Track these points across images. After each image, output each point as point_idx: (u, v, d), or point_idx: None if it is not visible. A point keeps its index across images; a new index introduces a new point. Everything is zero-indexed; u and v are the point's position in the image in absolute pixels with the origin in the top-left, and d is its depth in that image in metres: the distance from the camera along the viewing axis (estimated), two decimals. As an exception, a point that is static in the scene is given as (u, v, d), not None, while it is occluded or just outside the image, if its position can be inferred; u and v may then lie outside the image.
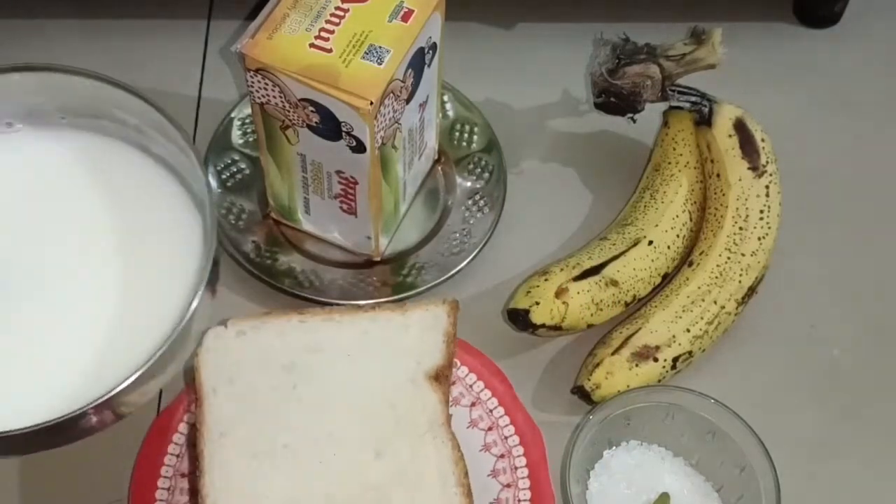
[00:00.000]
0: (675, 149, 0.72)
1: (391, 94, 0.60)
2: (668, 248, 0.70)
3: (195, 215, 0.58)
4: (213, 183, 0.71)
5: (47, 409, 0.52)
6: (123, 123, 0.59)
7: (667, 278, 0.70)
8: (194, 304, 0.53)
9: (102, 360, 0.55)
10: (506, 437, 0.64)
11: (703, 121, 0.70)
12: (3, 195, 0.59)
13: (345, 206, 0.67)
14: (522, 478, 0.62)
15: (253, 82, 0.61)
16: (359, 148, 0.61)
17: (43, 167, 0.59)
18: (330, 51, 0.59)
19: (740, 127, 0.70)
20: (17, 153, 0.60)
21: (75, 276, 0.58)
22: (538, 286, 0.67)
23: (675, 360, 0.66)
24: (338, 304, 0.67)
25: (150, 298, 0.57)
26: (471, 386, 0.65)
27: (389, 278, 0.70)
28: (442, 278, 0.70)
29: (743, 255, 0.68)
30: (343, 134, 0.61)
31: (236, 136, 0.75)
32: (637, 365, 0.65)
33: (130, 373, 0.51)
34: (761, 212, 0.69)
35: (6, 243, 0.58)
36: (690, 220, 0.71)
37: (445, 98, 0.76)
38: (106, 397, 0.51)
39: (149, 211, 0.59)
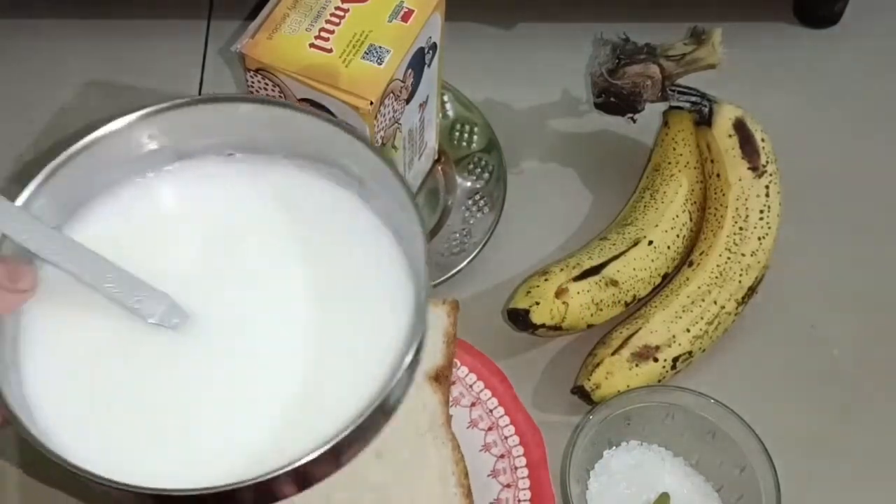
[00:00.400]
0: (675, 149, 0.72)
1: (391, 94, 0.60)
2: (668, 248, 0.70)
3: (407, 281, 0.51)
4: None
5: (225, 471, 0.45)
6: (346, 170, 0.53)
7: (667, 278, 0.70)
8: (393, 383, 0.46)
9: (289, 423, 0.49)
10: (506, 438, 0.64)
11: (703, 121, 0.70)
12: (211, 227, 0.54)
13: (345, 207, 0.67)
14: (522, 478, 0.62)
15: (253, 82, 0.61)
16: (359, 148, 0.61)
17: (255, 203, 0.54)
18: (330, 51, 0.59)
19: (740, 127, 0.70)
20: (229, 186, 0.55)
21: (270, 327, 0.51)
22: (538, 286, 0.67)
23: (675, 360, 0.66)
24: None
25: (346, 364, 0.50)
26: (471, 386, 0.65)
27: (390, 278, 0.70)
28: (442, 278, 0.70)
29: (743, 255, 0.68)
30: (343, 134, 0.61)
31: (236, 136, 0.75)
32: (637, 365, 0.65)
33: (317, 444, 0.45)
34: (761, 212, 0.69)
35: (206, 278, 0.52)
36: (690, 220, 0.71)
37: (445, 98, 0.76)
38: (290, 468, 0.44)
39: (360, 267, 0.53)
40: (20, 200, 0.48)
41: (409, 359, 0.46)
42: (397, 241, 0.53)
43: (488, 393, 0.65)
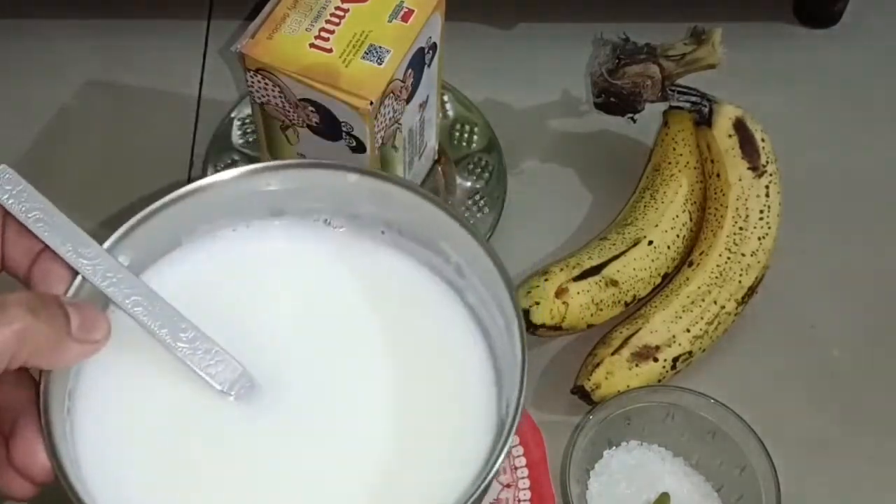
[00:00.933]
0: (674, 149, 0.72)
1: (391, 94, 0.60)
2: (668, 248, 0.70)
3: (492, 396, 0.48)
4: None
5: None
6: (446, 258, 0.50)
7: (667, 278, 0.70)
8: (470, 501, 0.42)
9: None
10: (506, 438, 0.64)
11: (703, 121, 0.70)
12: (297, 292, 0.51)
13: (345, 207, 0.67)
14: (522, 478, 0.62)
15: (253, 82, 0.61)
16: (359, 148, 0.61)
17: (346, 277, 0.51)
18: (330, 51, 0.59)
19: (740, 127, 0.70)
20: (322, 253, 0.51)
21: (348, 411, 0.48)
22: (538, 286, 0.67)
23: (676, 360, 0.66)
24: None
25: (419, 478, 0.46)
26: (471, 386, 0.65)
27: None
28: (442, 278, 0.69)
29: (743, 255, 0.68)
30: (343, 134, 0.61)
31: (236, 136, 0.75)
32: (637, 365, 0.65)
33: None
34: (761, 212, 0.69)
35: (286, 346, 0.49)
36: (690, 220, 0.71)
37: (445, 98, 0.76)
38: None
39: (443, 369, 0.49)
40: (108, 243, 0.45)
41: (489, 476, 0.43)
42: (487, 348, 0.49)
43: (488, 393, 0.65)
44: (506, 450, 0.43)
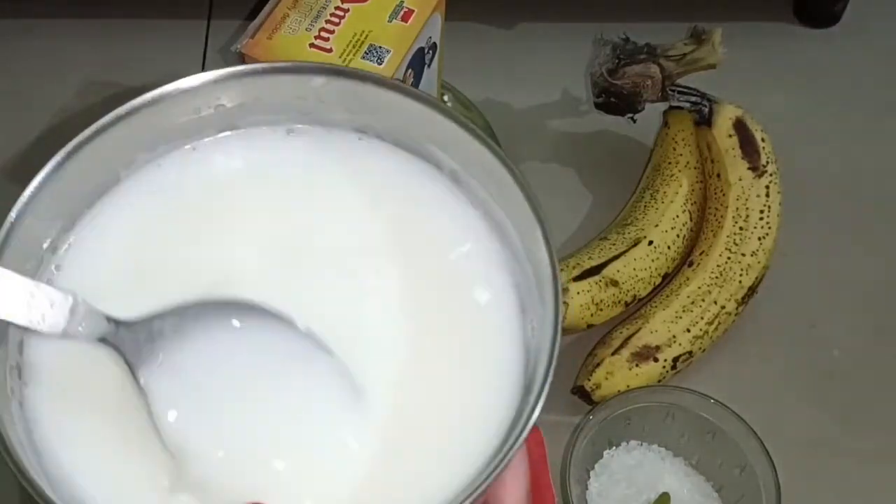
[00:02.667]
0: (675, 149, 0.72)
1: (391, 94, 0.60)
2: (669, 248, 0.69)
3: (516, 324, 0.42)
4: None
5: None
6: (437, 165, 0.43)
7: (667, 278, 0.70)
8: (485, 482, 0.36)
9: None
10: (506, 438, 0.63)
11: (704, 121, 0.70)
12: (261, 222, 0.43)
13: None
14: (522, 478, 0.62)
15: (253, 82, 0.60)
16: (359, 148, 0.61)
17: (324, 176, 0.44)
18: (330, 51, 0.59)
19: (740, 127, 0.70)
20: (297, 158, 0.44)
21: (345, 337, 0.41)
22: (538, 286, 0.67)
23: (676, 360, 0.66)
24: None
25: (439, 433, 0.40)
26: (471, 386, 0.65)
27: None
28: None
29: (743, 255, 0.68)
30: (343, 134, 0.60)
31: (236, 136, 0.74)
32: (637, 365, 0.65)
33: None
34: (761, 212, 0.69)
35: (267, 268, 0.42)
36: (691, 220, 0.71)
37: (445, 98, 0.76)
38: None
39: (454, 290, 0.42)
40: (31, 188, 0.40)
41: (518, 438, 0.36)
42: (509, 259, 0.42)
43: (488, 393, 0.65)
44: (529, 420, 0.37)
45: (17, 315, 0.38)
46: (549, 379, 0.38)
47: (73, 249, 0.43)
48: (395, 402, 0.40)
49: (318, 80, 0.43)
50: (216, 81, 0.42)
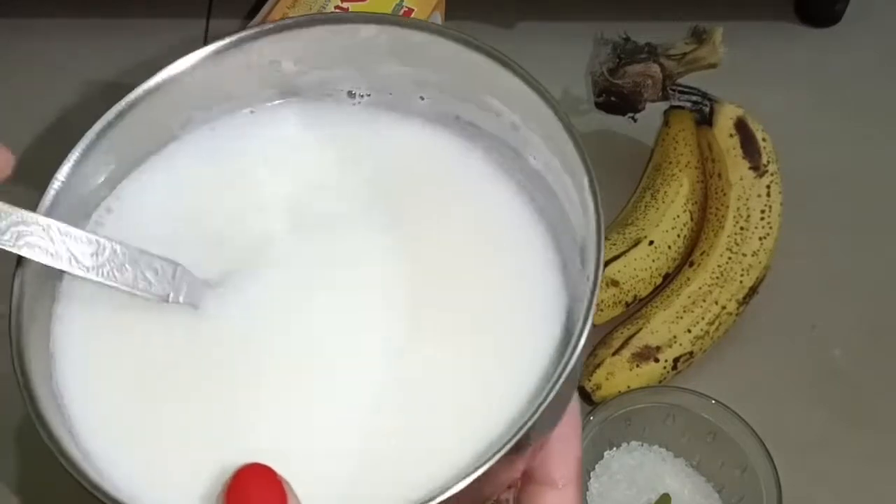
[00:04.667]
0: (675, 148, 0.72)
1: (391, 94, 0.60)
2: (669, 248, 0.69)
3: (559, 291, 0.41)
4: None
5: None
6: (497, 114, 0.43)
7: (668, 278, 0.70)
8: (515, 437, 0.33)
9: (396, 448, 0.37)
10: (506, 438, 0.63)
11: (704, 120, 0.70)
12: (321, 193, 0.42)
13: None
14: (523, 478, 0.62)
15: (252, 82, 0.60)
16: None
17: (380, 163, 0.43)
18: (330, 50, 0.59)
19: (741, 126, 0.70)
20: (353, 136, 0.43)
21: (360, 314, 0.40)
22: (539, 286, 0.67)
23: (676, 360, 0.66)
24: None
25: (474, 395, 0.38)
26: (471, 386, 0.65)
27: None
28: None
29: (744, 255, 0.68)
30: (343, 134, 0.60)
31: (236, 136, 0.74)
32: (638, 365, 0.65)
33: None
34: (762, 211, 0.69)
35: (284, 246, 0.41)
36: (691, 219, 0.71)
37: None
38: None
39: (494, 262, 0.41)
40: (86, 140, 0.41)
41: (552, 391, 0.34)
42: (548, 228, 0.43)
43: (489, 393, 0.65)
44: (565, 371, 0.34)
45: (123, 282, 0.38)
46: (591, 316, 0.37)
47: (117, 210, 0.43)
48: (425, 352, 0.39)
49: (370, 31, 0.41)
50: (268, 33, 0.41)
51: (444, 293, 0.40)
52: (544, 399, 0.34)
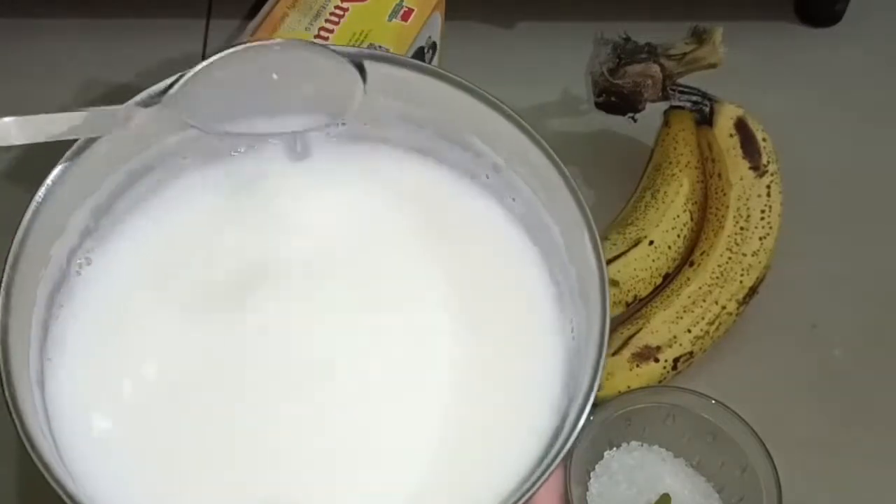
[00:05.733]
0: (675, 148, 0.72)
1: (391, 94, 0.60)
2: (669, 248, 0.69)
3: (559, 337, 0.41)
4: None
5: None
6: (473, 150, 0.43)
7: (668, 278, 0.70)
8: (533, 489, 0.35)
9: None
10: (506, 438, 0.63)
11: (704, 120, 0.70)
12: (316, 234, 0.43)
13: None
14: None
15: (252, 82, 0.60)
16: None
17: (358, 200, 0.44)
18: (329, 50, 0.59)
19: (741, 126, 0.70)
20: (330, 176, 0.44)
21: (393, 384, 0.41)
22: (539, 286, 0.67)
23: (676, 360, 0.66)
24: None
25: (481, 447, 0.40)
26: (471, 386, 0.65)
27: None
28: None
29: (744, 255, 0.68)
30: (343, 134, 0.60)
31: (236, 136, 0.74)
32: (638, 365, 0.65)
33: None
34: (762, 211, 0.69)
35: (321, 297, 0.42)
36: (691, 219, 0.71)
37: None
38: None
39: (495, 296, 0.42)
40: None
41: (560, 451, 0.36)
42: (546, 271, 0.42)
43: (489, 393, 0.65)
44: (573, 430, 0.36)
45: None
46: (595, 389, 0.37)
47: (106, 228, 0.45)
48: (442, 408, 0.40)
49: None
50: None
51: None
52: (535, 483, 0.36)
